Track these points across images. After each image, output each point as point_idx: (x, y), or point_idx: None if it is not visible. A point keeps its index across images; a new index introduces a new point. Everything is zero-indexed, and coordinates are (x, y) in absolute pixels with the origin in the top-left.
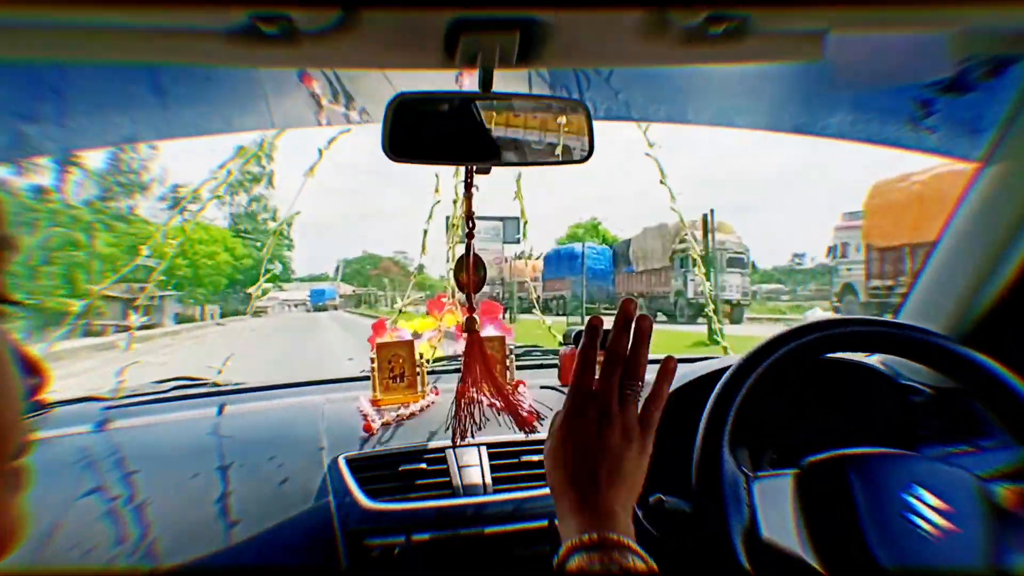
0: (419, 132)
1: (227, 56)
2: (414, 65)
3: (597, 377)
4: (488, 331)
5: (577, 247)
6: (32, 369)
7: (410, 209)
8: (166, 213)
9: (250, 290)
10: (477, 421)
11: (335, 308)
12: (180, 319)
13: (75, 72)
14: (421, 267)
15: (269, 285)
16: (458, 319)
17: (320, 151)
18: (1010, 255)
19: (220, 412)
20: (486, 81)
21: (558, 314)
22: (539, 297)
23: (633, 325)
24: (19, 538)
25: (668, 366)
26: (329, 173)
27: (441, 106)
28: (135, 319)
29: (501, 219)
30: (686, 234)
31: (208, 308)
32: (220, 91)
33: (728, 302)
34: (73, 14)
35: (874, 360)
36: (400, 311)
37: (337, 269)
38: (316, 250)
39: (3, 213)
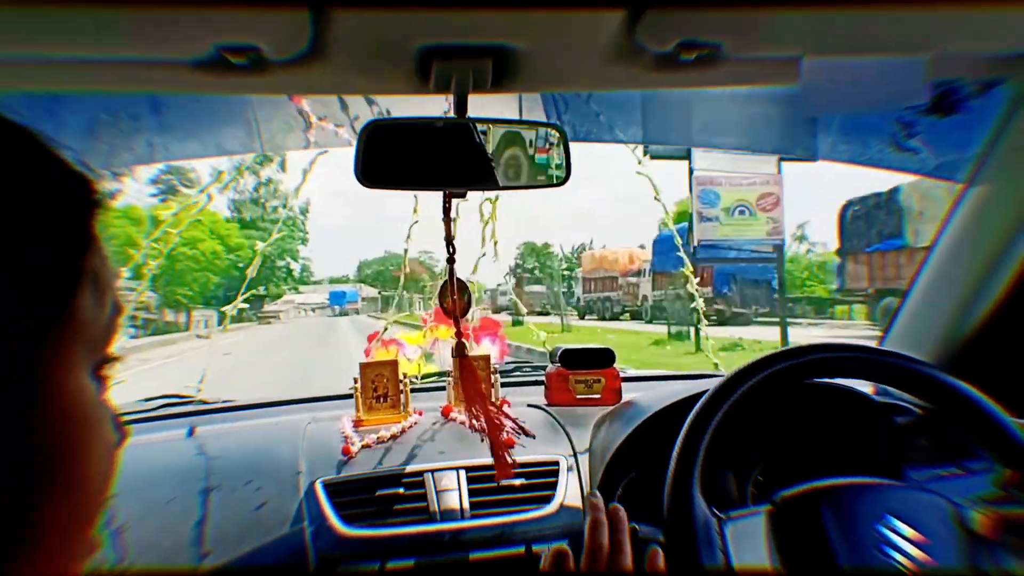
0: (393, 158)
1: (197, 85)
2: (387, 91)
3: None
4: (483, 348)
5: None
6: (116, 426)
7: (433, 207)
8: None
9: (226, 309)
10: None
11: (356, 312)
12: (156, 329)
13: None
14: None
15: (286, 290)
16: (451, 333)
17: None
18: (994, 278)
19: (191, 434)
20: (460, 107)
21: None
22: (644, 298)
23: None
24: None
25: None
26: (348, 177)
27: (415, 132)
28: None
29: None
30: None
31: (197, 314)
32: (208, 114)
33: None
34: (42, 49)
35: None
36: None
37: (360, 268)
38: (335, 253)
39: (116, 279)
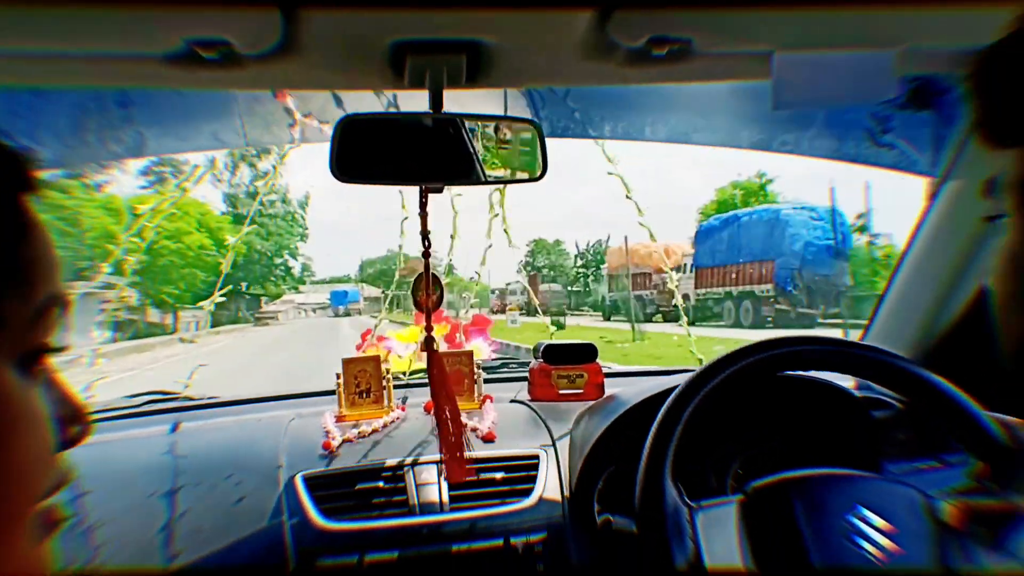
0: (368, 153)
1: (169, 79)
2: (361, 86)
3: None
4: (472, 344)
5: (769, 211)
6: (75, 415)
7: (437, 206)
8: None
9: (203, 304)
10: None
11: (359, 312)
12: (137, 332)
13: (45, 94)
14: (450, 267)
15: (285, 290)
16: (445, 330)
17: (273, 167)
18: (969, 272)
19: (174, 430)
20: (436, 102)
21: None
22: (686, 296)
23: None
24: None
25: None
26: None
27: (390, 127)
28: (97, 335)
29: None
30: None
31: (187, 314)
32: (192, 108)
33: None
34: (11, 44)
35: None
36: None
37: (363, 267)
38: (338, 251)
39: (56, 267)
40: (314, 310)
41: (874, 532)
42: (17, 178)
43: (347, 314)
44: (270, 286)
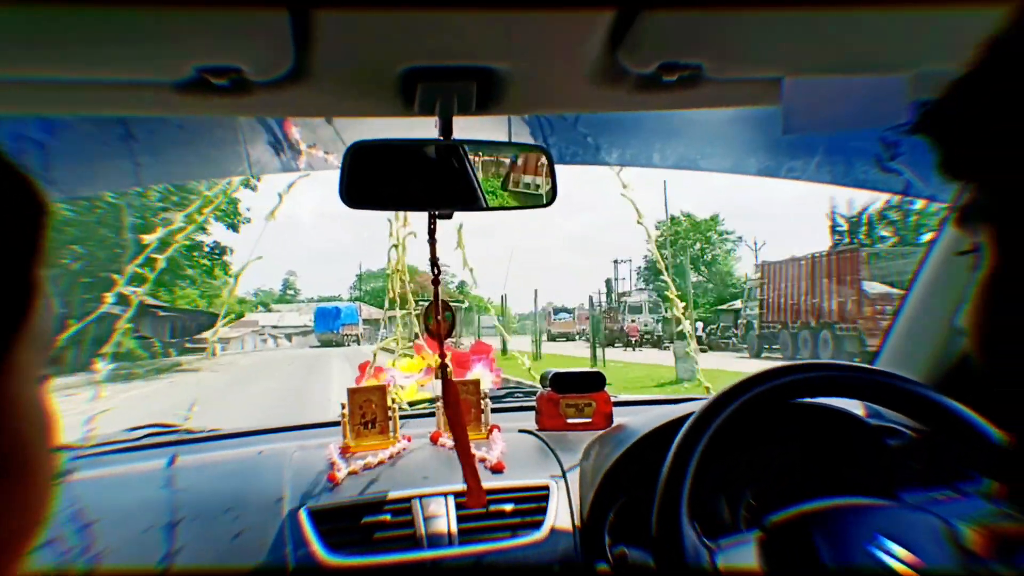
0: (377, 179)
1: (179, 107)
2: (371, 113)
3: None
4: (474, 372)
5: None
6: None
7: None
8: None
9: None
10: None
11: (357, 340)
12: None
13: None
14: (463, 285)
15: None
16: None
17: (280, 195)
18: None
19: (172, 463)
20: (445, 128)
21: None
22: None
23: None
24: None
25: None
26: (334, 202)
27: (400, 153)
28: (101, 366)
29: None
30: None
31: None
32: (196, 138)
33: None
34: (22, 71)
35: (855, 404)
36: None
37: (360, 282)
38: (325, 277)
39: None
40: (288, 336)
41: (897, 563)
42: (38, 204)
43: (339, 342)
44: (188, 292)
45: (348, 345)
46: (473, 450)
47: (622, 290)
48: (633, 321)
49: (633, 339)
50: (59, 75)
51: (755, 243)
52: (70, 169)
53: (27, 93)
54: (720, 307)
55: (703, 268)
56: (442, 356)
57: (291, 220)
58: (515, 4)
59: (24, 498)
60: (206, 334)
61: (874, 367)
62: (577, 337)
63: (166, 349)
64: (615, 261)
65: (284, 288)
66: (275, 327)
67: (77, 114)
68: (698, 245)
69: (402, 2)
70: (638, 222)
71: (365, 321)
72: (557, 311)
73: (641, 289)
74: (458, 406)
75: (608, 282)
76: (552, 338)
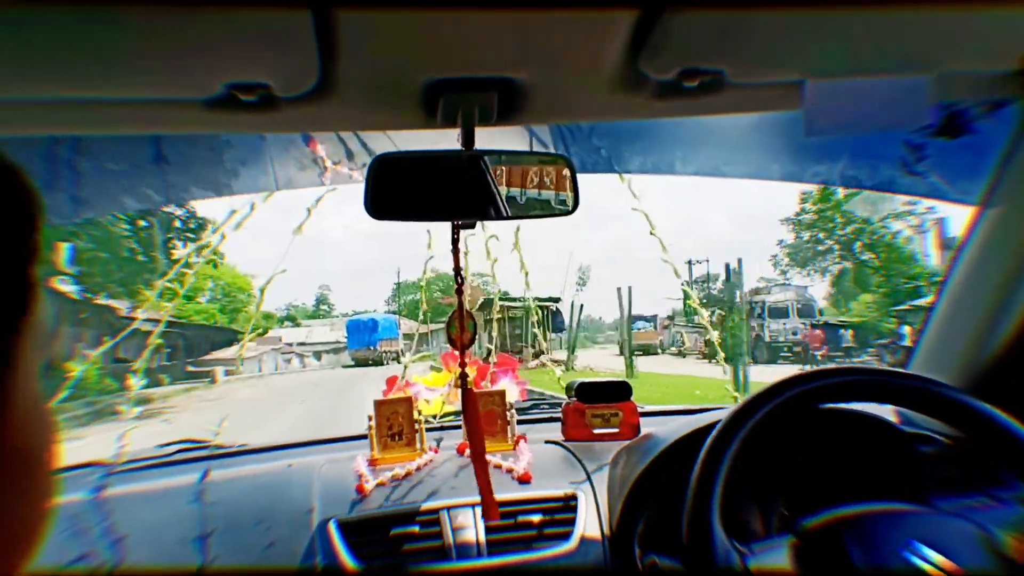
0: (402, 191)
1: (209, 124)
2: (395, 126)
3: None
4: (500, 385)
5: None
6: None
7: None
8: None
9: None
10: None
11: (396, 357)
12: None
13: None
14: (505, 294)
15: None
16: (472, 372)
17: (308, 210)
18: (1015, 299)
19: (203, 478)
20: (467, 139)
21: None
22: None
23: None
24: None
25: None
26: (364, 220)
27: (423, 165)
28: (134, 382)
29: None
30: None
31: None
32: (224, 154)
33: None
34: (54, 91)
35: (887, 409)
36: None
37: (398, 293)
38: (361, 292)
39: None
40: (318, 354)
41: (934, 568)
42: (35, 207)
43: (376, 360)
44: (207, 307)
45: (387, 364)
46: (500, 461)
47: (752, 286)
48: (802, 330)
49: (815, 351)
50: (92, 94)
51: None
52: (99, 187)
53: (60, 113)
54: (899, 307)
55: (872, 254)
56: (462, 365)
57: (322, 235)
58: (536, 8)
59: (28, 491)
60: (218, 353)
61: (907, 371)
62: (660, 350)
63: (155, 375)
64: (688, 262)
65: (317, 303)
66: (302, 344)
67: (109, 133)
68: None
69: (425, 10)
70: (651, 233)
71: (405, 336)
72: (634, 319)
73: (784, 285)
74: (476, 415)
75: (731, 272)
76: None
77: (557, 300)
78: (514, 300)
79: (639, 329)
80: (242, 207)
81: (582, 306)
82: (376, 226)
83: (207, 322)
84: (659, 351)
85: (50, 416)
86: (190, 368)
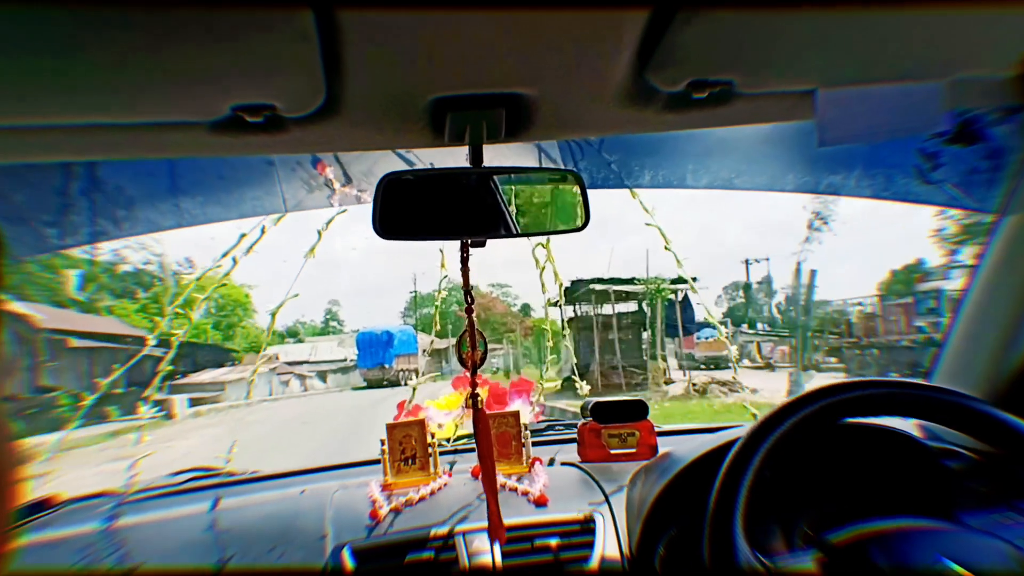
0: (410, 210)
1: (215, 147)
2: (403, 145)
3: None
4: (513, 407)
5: None
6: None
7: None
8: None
9: None
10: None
11: (413, 378)
12: None
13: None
14: (526, 308)
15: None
16: (484, 393)
17: (319, 232)
18: None
19: (215, 505)
20: (476, 156)
21: None
22: None
23: None
24: None
25: None
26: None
27: (431, 184)
28: (144, 410)
29: None
30: None
31: None
32: (232, 177)
33: None
34: (60, 118)
35: (910, 424)
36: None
37: (414, 305)
38: (373, 310)
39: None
40: (323, 375)
41: None
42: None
43: (392, 380)
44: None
45: (404, 384)
46: (515, 483)
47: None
48: None
49: None
50: (98, 120)
51: None
52: (108, 212)
53: (67, 139)
54: None
55: None
56: (473, 385)
57: (334, 255)
58: (542, 23)
59: None
60: (201, 375)
61: (931, 384)
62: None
63: (101, 409)
64: (745, 261)
65: (327, 319)
66: (304, 363)
67: (115, 159)
68: None
69: (430, 28)
70: (666, 248)
71: (427, 352)
72: (698, 326)
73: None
74: (488, 436)
75: (800, 270)
76: (694, 365)
77: (683, 282)
78: (613, 283)
79: (705, 339)
80: (252, 230)
81: (814, 272)
82: (388, 243)
83: (197, 340)
84: (732, 364)
85: (9, 433)
86: (152, 395)
